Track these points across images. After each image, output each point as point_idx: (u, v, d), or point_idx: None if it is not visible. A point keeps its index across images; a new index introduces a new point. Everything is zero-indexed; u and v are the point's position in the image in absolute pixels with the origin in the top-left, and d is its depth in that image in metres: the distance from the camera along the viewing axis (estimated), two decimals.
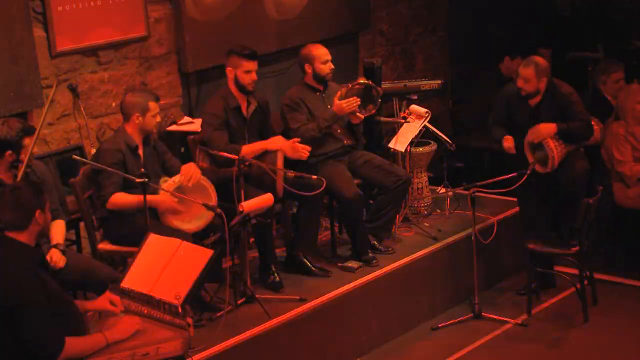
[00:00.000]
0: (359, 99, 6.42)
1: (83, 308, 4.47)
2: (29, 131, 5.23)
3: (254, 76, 6.15)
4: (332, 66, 6.53)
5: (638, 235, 7.09)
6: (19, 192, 4.27)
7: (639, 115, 6.94)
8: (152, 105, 5.72)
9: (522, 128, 6.59)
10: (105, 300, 4.48)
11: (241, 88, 6.18)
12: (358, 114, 6.47)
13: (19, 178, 5.13)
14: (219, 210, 5.46)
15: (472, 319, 6.44)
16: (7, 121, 5.24)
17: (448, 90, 7.96)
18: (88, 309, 4.50)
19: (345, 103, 6.38)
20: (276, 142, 6.19)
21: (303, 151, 6.20)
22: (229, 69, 6.17)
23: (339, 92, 6.45)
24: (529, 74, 6.50)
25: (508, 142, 6.60)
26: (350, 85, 6.47)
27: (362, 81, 6.53)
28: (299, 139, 6.23)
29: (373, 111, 6.55)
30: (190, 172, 5.69)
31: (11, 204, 4.25)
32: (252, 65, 6.14)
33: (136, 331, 4.35)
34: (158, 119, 5.79)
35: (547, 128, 6.47)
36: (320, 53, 6.49)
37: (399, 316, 6.37)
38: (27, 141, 5.20)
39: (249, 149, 6.11)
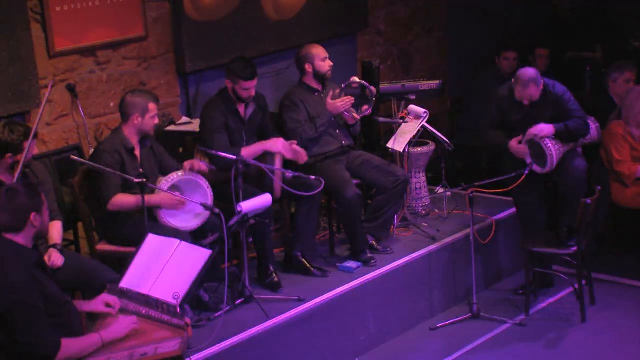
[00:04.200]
0: (353, 98, 6.43)
1: (79, 308, 4.46)
2: (28, 134, 5.23)
3: (251, 92, 6.15)
4: (331, 63, 6.56)
5: (636, 235, 7.10)
6: (14, 193, 4.25)
7: None
8: (152, 106, 5.72)
9: (517, 129, 6.59)
10: (100, 303, 4.47)
11: (238, 98, 6.19)
12: (354, 114, 6.47)
13: (15, 179, 5.12)
14: (217, 210, 5.46)
15: (471, 319, 6.45)
16: (10, 124, 5.25)
17: (446, 91, 7.95)
18: (83, 310, 4.50)
19: (340, 102, 6.39)
20: (276, 144, 6.19)
21: (302, 154, 6.22)
22: (227, 81, 6.17)
23: (331, 92, 6.46)
24: (533, 92, 6.44)
25: (515, 142, 6.56)
26: (343, 85, 6.48)
27: (356, 80, 6.54)
28: (296, 142, 6.25)
29: (368, 112, 6.56)
30: (196, 165, 5.70)
31: (5, 206, 4.23)
32: (250, 84, 6.13)
33: (132, 331, 4.35)
34: (157, 120, 5.79)
35: (546, 128, 6.46)
36: (319, 51, 6.54)
37: (397, 316, 6.37)
38: (25, 143, 5.21)
39: (249, 152, 6.12)
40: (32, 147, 5.26)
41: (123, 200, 5.58)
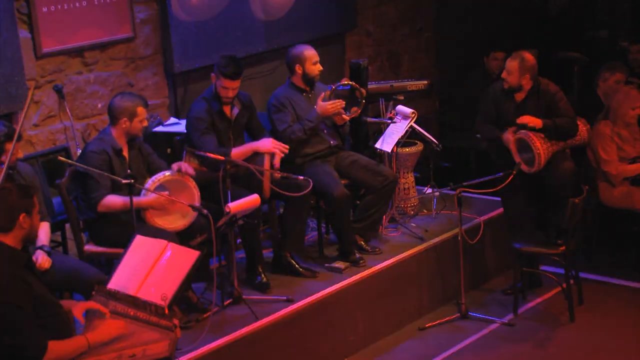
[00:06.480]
0: (343, 102, 6.43)
1: (68, 308, 4.44)
2: (12, 135, 5.21)
3: (229, 93, 6.11)
4: (321, 67, 6.55)
5: (623, 234, 7.13)
6: (5, 192, 4.24)
7: (630, 120, 6.95)
8: (141, 110, 5.71)
9: (509, 125, 6.62)
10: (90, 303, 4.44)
11: (217, 96, 6.17)
12: (343, 115, 6.47)
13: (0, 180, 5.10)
14: (205, 211, 5.45)
15: (459, 319, 6.45)
16: None
17: (434, 91, 7.97)
18: (71, 311, 4.47)
19: (330, 105, 6.38)
20: (265, 144, 6.19)
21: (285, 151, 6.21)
22: (213, 75, 6.17)
23: (322, 94, 6.46)
24: (513, 67, 6.56)
25: (509, 134, 6.60)
26: (334, 87, 6.48)
27: (346, 82, 6.54)
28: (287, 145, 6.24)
29: (357, 113, 6.56)
30: (184, 167, 5.70)
31: None
32: (230, 83, 6.09)
33: (119, 334, 4.33)
34: (145, 123, 5.78)
35: (533, 119, 6.50)
36: (311, 54, 6.51)
37: (386, 316, 6.38)
38: (8, 145, 5.19)
39: (239, 152, 6.11)
40: (17, 149, 5.23)
41: (113, 201, 5.56)
